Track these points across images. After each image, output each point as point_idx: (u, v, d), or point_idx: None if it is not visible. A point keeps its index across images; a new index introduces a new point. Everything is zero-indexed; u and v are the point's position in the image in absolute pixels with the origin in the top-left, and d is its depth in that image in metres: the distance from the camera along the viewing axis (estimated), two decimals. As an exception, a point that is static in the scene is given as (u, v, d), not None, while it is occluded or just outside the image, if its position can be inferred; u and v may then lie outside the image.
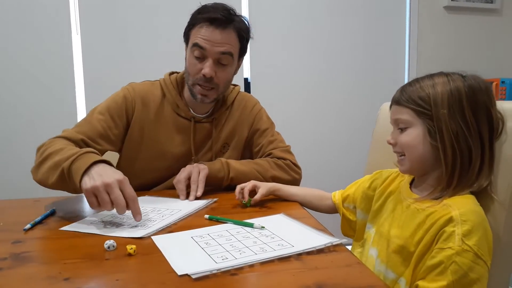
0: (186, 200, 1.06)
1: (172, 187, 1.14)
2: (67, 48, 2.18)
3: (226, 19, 1.13)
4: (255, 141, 1.31)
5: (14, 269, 0.65)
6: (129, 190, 0.85)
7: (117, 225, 0.86)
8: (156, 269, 0.64)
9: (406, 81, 1.04)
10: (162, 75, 1.30)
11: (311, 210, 1.04)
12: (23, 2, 2.10)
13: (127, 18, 2.24)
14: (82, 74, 2.22)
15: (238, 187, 1.03)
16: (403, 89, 0.86)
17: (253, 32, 1.23)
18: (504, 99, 2.38)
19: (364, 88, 2.60)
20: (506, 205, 0.81)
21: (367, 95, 2.59)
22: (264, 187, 1.04)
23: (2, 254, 0.71)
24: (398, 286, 0.81)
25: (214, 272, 0.61)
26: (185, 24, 1.19)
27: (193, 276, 0.60)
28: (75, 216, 0.93)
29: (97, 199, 0.84)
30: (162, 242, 0.75)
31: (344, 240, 0.73)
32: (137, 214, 0.85)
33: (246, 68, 2.42)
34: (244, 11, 2.37)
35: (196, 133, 1.25)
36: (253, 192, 1.03)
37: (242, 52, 1.23)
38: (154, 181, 1.25)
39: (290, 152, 1.30)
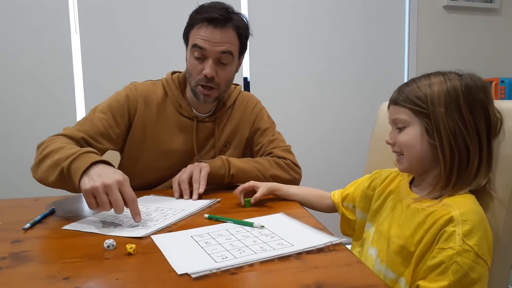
0: (190, 200, 1.06)
1: None
2: (66, 48, 2.18)
3: (224, 18, 1.13)
4: (255, 140, 1.32)
5: (13, 269, 0.65)
6: (129, 191, 0.85)
7: (117, 224, 0.85)
8: (156, 268, 0.64)
9: (405, 81, 1.04)
10: (162, 75, 1.29)
11: (310, 210, 1.04)
12: (22, 2, 2.10)
13: (126, 18, 2.24)
14: (81, 73, 2.22)
15: (237, 190, 1.03)
16: (400, 89, 0.87)
17: (252, 30, 1.22)
18: (503, 99, 2.38)
19: (363, 87, 2.60)
20: (506, 203, 0.81)
21: (367, 94, 2.59)
22: (264, 187, 1.04)
23: (2, 254, 0.71)
24: (398, 286, 0.81)
25: (214, 271, 0.61)
26: (184, 23, 1.19)
27: (193, 276, 0.60)
28: (75, 216, 0.93)
29: (96, 200, 0.84)
30: (161, 241, 0.75)
31: (344, 239, 0.73)
32: (136, 215, 0.85)
33: (245, 68, 2.42)
34: (244, 11, 2.37)
35: (198, 132, 1.25)
36: (253, 192, 1.04)
37: (242, 50, 1.23)
38: (156, 180, 1.25)
39: (290, 152, 1.30)
